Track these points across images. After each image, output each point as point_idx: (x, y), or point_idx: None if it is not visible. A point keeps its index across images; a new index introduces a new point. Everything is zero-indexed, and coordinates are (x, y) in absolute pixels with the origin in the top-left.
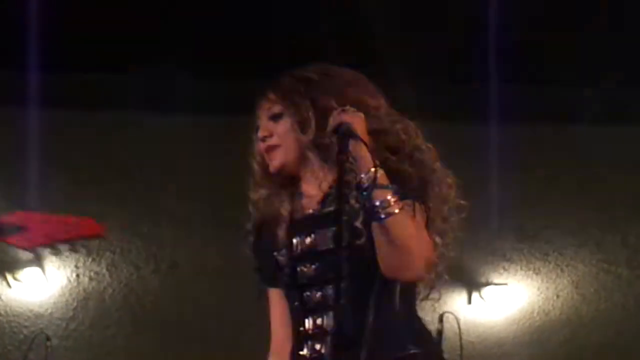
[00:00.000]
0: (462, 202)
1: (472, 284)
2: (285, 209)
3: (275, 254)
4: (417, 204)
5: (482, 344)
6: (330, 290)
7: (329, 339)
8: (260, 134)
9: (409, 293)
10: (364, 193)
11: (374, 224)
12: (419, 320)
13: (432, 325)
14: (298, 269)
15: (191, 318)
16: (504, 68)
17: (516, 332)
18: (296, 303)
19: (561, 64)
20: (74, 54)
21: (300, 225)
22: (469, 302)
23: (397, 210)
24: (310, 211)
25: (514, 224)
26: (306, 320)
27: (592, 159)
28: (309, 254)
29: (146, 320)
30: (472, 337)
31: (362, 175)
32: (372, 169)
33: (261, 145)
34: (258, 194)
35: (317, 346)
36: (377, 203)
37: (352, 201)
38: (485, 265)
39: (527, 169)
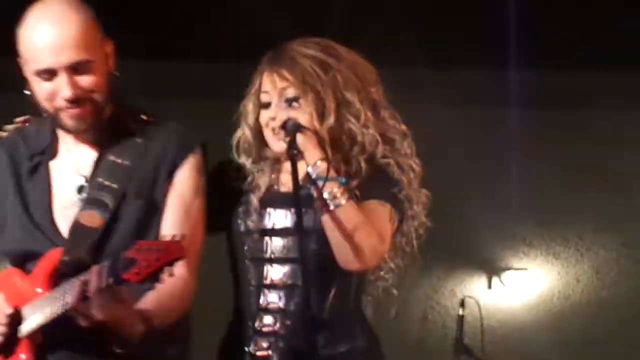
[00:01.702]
0: (425, 220)
1: (492, 269)
2: (264, 180)
3: (243, 216)
4: (378, 202)
5: (502, 329)
6: (291, 268)
7: (283, 316)
8: (273, 114)
9: (362, 285)
10: (310, 185)
11: (323, 214)
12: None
13: (453, 310)
14: (265, 240)
15: None
16: (524, 52)
17: (536, 317)
18: (254, 274)
19: (579, 48)
20: None
21: (276, 199)
22: (489, 287)
23: (343, 202)
24: (287, 189)
25: (534, 209)
26: (262, 295)
27: (613, 143)
28: (279, 230)
29: None
30: (492, 322)
31: (309, 168)
32: (319, 162)
33: (269, 124)
34: (242, 159)
35: (271, 321)
36: (324, 195)
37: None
38: (505, 250)
39: (547, 153)
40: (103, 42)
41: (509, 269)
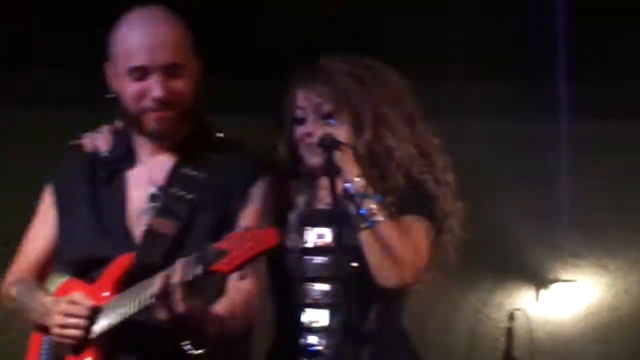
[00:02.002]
0: (461, 232)
1: (540, 281)
2: (301, 199)
3: (283, 234)
4: (415, 218)
5: (551, 341)
6: (333, 287)
7: (327, 335)
8: (310, 129)
9: (403, 301)
10: (349, 201)
11: (361, 232)
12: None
13: (501, 323)
14: (306, 259)
15: None
16: (573, 65)
17: (585, 329)
18: (296, 294)
19: (626, 62)
20: None
21: (315, 217)
22: (537, 299)
23: (380, 219)
24: (325, 206)
25: (582, 220)
26: (304, 314)
27: None
28: (319, 248)
29: None
30: (541, 334)
31: (347, 185)
32: (356, 178)
33: (305, 140)
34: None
35: (315, 341)
36: (362, 211)
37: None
38: (553, 262)
39: (595, 164)
40: (194, 55)
41: (557, 281)
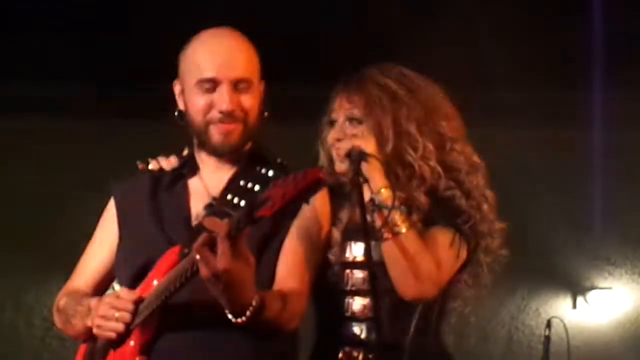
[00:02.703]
0: (502, 252)
1: (576, 289)
2: (344, 213)
3: (327, 255)
4: (440, 229)
5: (588, 348)
6: (370, 301)
7: (366, 348)
8: (337, 134)
9: (442, 315)
10: (376, 212)
11: (383, 243)
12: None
13: (538, 330)
14: (346, 273)
15: None
16: (606, 74)
17: (622, 336)
18: (335, 307)
19: None
20: None
21: (357, 232)
22: (574, 306)
23: (403, 230)
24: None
25: (618, 228)
26: (344, 327)
27: None
28: (360, 262)
29: None
30: (578, 342)
31: (373, 196)
32: (383, 189)
33: (335, 144)
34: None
35: (354, 354)
36: (386, 222)
37: None
38: (589, 269)
39: (631, 172)
40: (260, 77)
41: (593, 288)
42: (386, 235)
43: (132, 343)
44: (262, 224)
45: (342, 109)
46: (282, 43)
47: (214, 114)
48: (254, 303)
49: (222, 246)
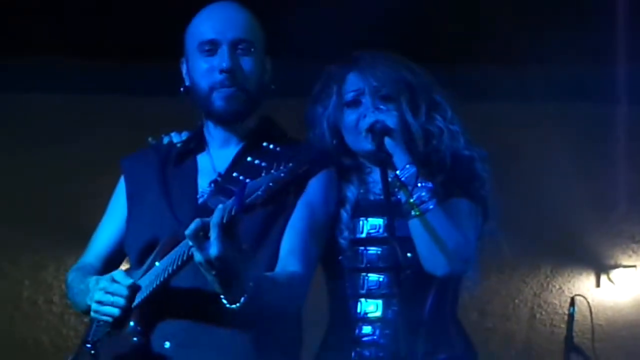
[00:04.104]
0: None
1: (600, 267)
2: (351, 191)
3: (336, 226)
4: (463, 201)
5: (611, 327)
6: (388, 277)
7: (382, 325)
8: (364, 112)
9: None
10: (399, 189)
11: (411, 219)
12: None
13: (561, 309)
14: (360, 250)
15: None
16: (636, 48)
17: None
18: (350, 285)
19: None
20: None
21: (368, 208)
22: (597, 285)
23: (431, 207)
24: (377, 195)
25: None
26: (359, 305)
27: None
28: (373, 239)
29: None
30: (601, 320)
31: (398, 172)
32: (407, 166)
33: (358, 123)
34: None
35: (370, 331)
36: (412, 199)
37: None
38: (613, 247)
39: None
40: (265, 50)
41: (617, 266)
42: (413, 212)
43: (131, 323)
44: (265, 204)
45: (368, 87)
46: None
47: (216, 76)
48: (248, 289)
49: (214, 233)
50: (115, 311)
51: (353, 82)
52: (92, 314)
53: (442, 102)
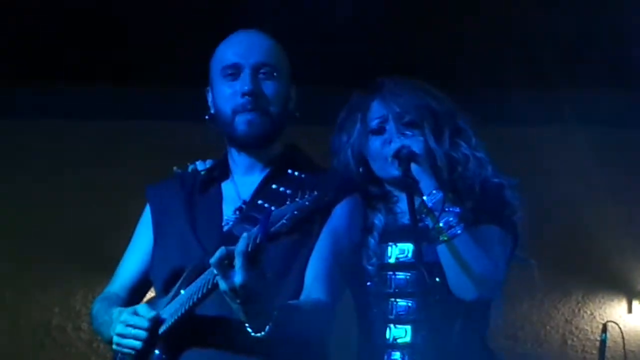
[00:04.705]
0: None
1: (632, 293)
2: (379, 218)
3: (365, 252)
4: (493, 228)
5: None
6: (416, 302)
7: (411, 351)
8: (389, 139)
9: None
10: (427, 215)
11: (439, 245)
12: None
13: (592, 335)
14: (389, 275)
15: None
16: None
17: None
18: (379, 310)
19: None
20: None
21: (396, 233)
22: (629, 311)
23: (459, 232)
24: (405, 220)
25: None
26: (388, 330)
27: None
28: (402, 264)
29: None
30: (633, 347)
31: (424, 197)
32: (434, 191)
33: (383, 150)
34: None
35: (399, 357)
36: (439, 224)
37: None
38: None
39: None
40: (289, 77)
41: None
42: (441, 237)
43: (157, 352)
44: (289, 232)
45: (392, 114)
46: None
47: (238, 100)
48: (273, 318)
49: (239, 261)
50: (137, 344)
51: (376, 110)
52: (114, 346)
53: (466, 128)
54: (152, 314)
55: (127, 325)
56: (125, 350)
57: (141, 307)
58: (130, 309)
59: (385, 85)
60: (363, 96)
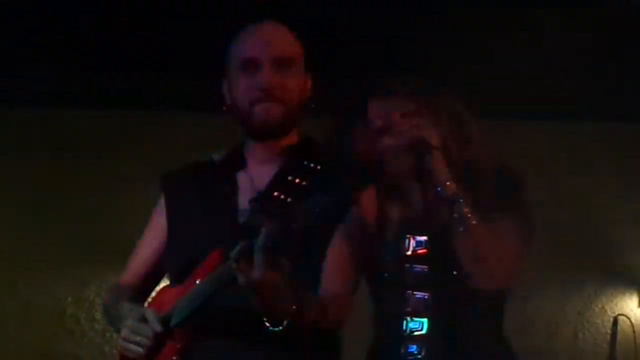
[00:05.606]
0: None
1: None
2: (393, 211)
3: (382, 244)
4: (507, 218)
5: None
6: (433, 294)
7: (427, 343)
8: (394, 135)
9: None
10: (441, 206)
11: (454, 236)
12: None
13: (604, 328)
14: (406, 267)
15: None
16: None
17: None
18: (395, 302)
19: None
20: None
21: (412, 225)
22: None
23: (473, 222)
24: (420, 212)
25: None
26: (404, 322)
27: None
28: (419, 256)
29: None
30: None
31: (439, 189)
32: (448, 183)
33: (390, 145)
34: None
35: (415, 349)
36: (455, 215)
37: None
38: None
39: None
40: (305, 67)
41: None
42: (457, 228)
43: (171, 342)
44: (308, 227)
45: (390, 106)
46: None
47: (255, 93)
48: (291, 313)
49: (257, 257)
50: (140, 350)
51: (378, 108)
52: (120, 348)
53: (468, 120)
54: (159, 328)
55: (132, 331)
56: (130, 354)
57: (150, 314)
58: (139, 312)
59: (380, 84)
60: (353, 92)
